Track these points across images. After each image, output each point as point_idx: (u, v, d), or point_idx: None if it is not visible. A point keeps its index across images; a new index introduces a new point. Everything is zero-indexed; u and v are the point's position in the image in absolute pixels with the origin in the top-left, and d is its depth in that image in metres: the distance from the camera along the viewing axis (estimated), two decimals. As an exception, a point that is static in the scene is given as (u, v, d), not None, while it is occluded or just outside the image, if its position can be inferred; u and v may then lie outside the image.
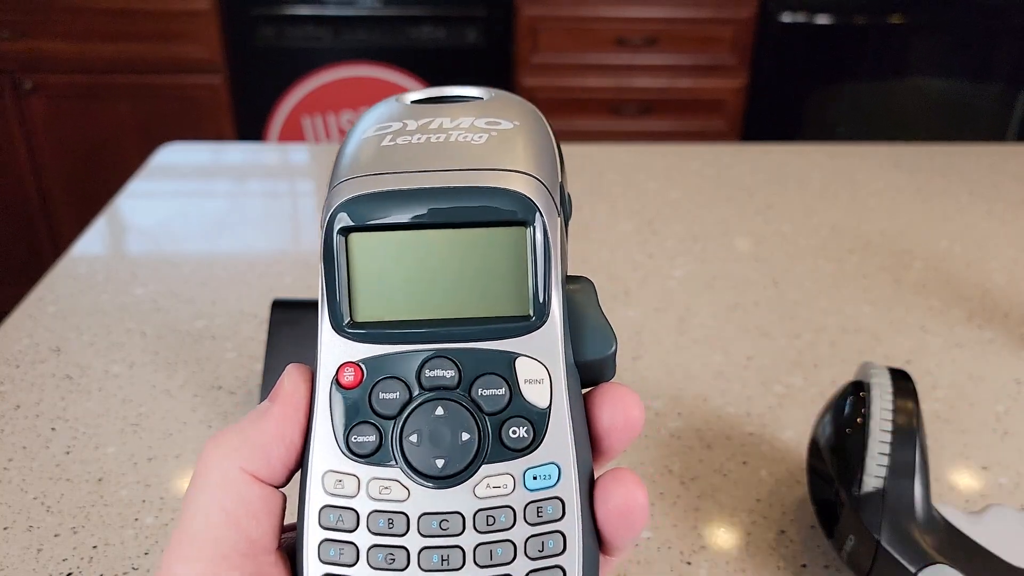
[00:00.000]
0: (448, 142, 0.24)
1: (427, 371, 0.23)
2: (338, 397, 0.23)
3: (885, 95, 1.94)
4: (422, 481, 0.22)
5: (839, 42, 1.91)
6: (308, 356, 0.25)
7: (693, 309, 0.71)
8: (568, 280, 0.24)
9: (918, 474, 0.41)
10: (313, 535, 0.23)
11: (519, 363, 0.23)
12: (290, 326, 0.54)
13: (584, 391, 0.24)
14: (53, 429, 0.55)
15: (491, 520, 0.22)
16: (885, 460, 0.41)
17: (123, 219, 0.88)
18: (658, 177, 0.98)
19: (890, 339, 0.67)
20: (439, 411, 0.23)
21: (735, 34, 1.87)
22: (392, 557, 0.22)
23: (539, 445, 0.22)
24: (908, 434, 0.41)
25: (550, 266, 0.23)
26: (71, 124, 1.84)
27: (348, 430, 0.23)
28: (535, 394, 0.23)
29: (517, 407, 0.23)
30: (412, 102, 0.26)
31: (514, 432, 0.22)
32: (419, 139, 0.24)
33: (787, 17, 1.86)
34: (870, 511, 0.40)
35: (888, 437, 0.41)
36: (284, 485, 0.24)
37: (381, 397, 0.23)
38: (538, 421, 0.23)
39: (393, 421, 0.23)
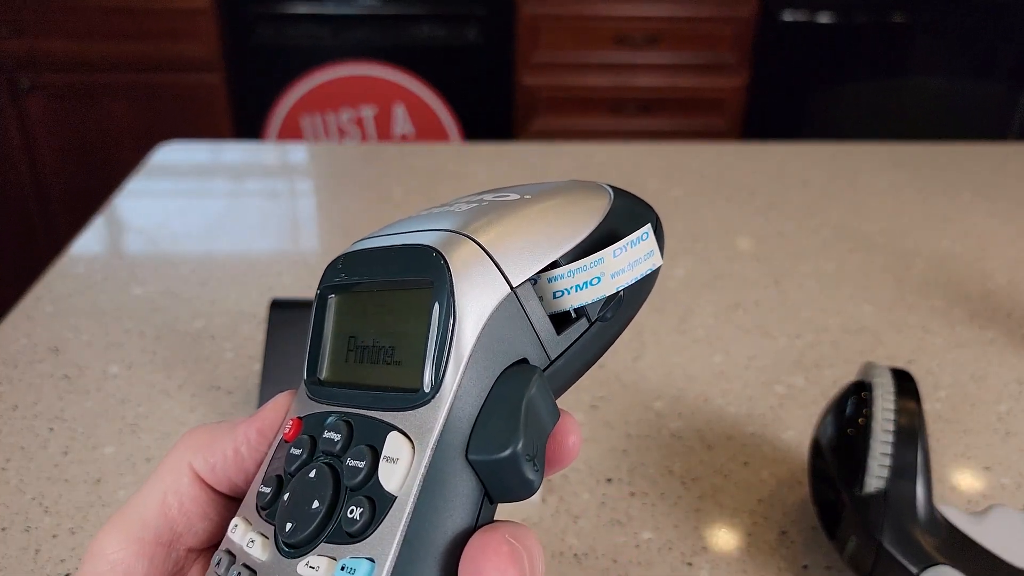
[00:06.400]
0: (440, 212, 0.23)
1: (325, 433, 0.22)
2: (278, 448, 0.23)
3: (886, 94, 1.94)
4: (275, 544, 0.21)
5: (840, 41, 1.91)
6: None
7: (694, 309, 0.70)
8: (514, 366, 0.21)
9: (920, 475, 0.40)
10: (209, 572, 0.23)
11: (389, 438, 0.20)
12: (289, 326, 0.54)
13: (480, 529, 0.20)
14: (51, 429, 0.55)
15: None
16: (887, 461, 0.41)
17: (121, 218, 0.88)
18: (659, 176, 0.98)
19: (892, 339, 0.67)
20: (312, 474, 0.21)
21: (736, 33, 1.87)
22: None
23: (369, 535, 0.19)
24: (910, 435, 0.41)
25: (451, 337, 0.20)
26: (69, 123, 1.84)
27: (263, 481, 0.23)
28: (387, 474, 0.20)
29: (368, 486, 0.20)
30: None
31: (352, 512, 0.20)
32: (427, 211, 0.24)
33: (788, 16, 1.86)
34: (872, 512, 0.40)
35: (890, 437, 0.41)
36: (231, 496, 0.25)
37: (291, 452, 0.22)
38: (380, 506, 0.20)
39: (291, 477, 0.22)
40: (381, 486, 0.20)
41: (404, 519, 0.19)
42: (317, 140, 1.90)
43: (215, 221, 0.87)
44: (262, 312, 0.67)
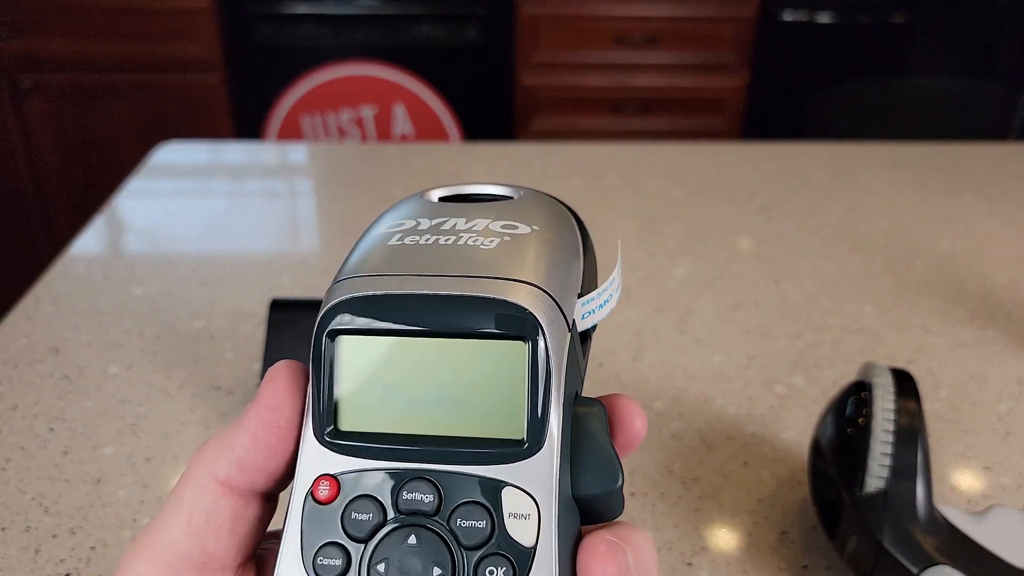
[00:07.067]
0: (456, 245, 0.23)
1: (405, 493, 0.21)
2: (311, 511, 0.22)
3: (886, 94, 1.94)
4: None
5: (840, 41, 1.91)
6: (302, 357, 0.23)
7: (694, 309, 0.70)
8: (577, 402, 0.22)
9: (920, 475, 0.40)
10: None
11: (506, 494, 0.20)
12: (288, 326, 0.54)
13: (584, 534, 0.21)
14: (51, 429, 0.55)
15: None
16: (887, 461, 0.41)
17: (121, 218, 0.88)
18: (659, 176, 0.98)
19: (892, 339, 0.67)
20: (412, 539, 0.21)
21: (736, 32, 1.87)
22: None
23: None
24: (910, 435, 0.41)
25: (550, 388, 0.21)
26: (69, 123, 1.84)
27: (316, 550, 0.21)
28: (520, 531, 0.20)
29: (499, 543, 0.20)
30: (437, 199, 0.26)
31: (491, 572, 0.20)
32: (428, 240, 0.23)
33: (788, 15, 1.85)
34: (872, 512, 0.40)
35: (890, 437, 0.41)
36: (271, 490, 0.23)
37: (353, 517, 0.21)
38: (521, 562, 0.20)
39: (363, 545, 0.21)
40: (515, 542, 0.20)
41: (554, 570, 0.20)
42: (317, 140, 1.90)
43: (215, 221, 0.87)
44: (262, 312, 0.67)
